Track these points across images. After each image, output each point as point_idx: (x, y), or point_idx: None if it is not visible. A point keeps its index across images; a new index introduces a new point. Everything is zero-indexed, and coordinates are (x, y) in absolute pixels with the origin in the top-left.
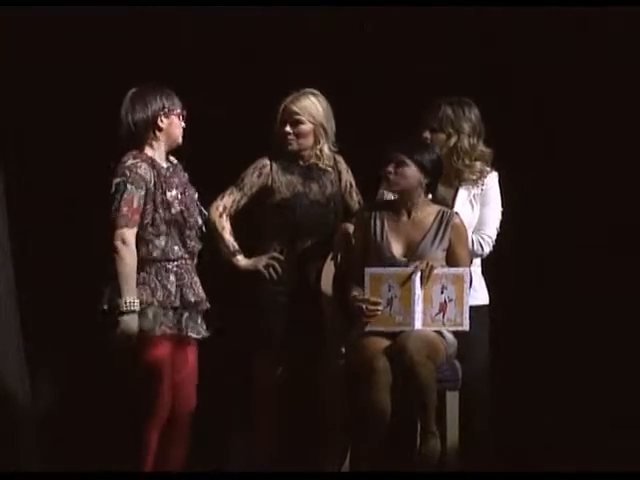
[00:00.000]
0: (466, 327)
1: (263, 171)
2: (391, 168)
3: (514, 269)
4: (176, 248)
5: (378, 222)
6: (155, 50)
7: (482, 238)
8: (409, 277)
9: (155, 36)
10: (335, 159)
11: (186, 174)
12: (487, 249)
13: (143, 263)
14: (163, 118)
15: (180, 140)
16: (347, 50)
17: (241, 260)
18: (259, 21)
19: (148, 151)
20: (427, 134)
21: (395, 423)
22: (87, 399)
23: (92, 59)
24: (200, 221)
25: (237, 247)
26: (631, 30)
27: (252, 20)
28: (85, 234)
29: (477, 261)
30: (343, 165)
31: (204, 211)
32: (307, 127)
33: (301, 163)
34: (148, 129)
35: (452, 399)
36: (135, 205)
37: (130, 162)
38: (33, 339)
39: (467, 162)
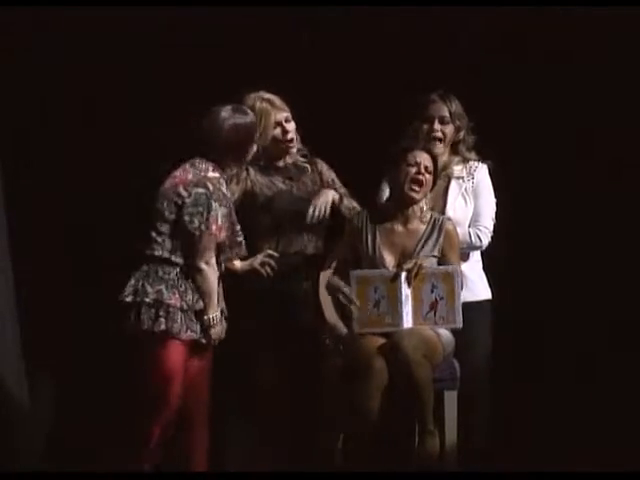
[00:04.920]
0: (459, 325)
1: (240, 177)
2: (425, 173)
3: (515, 264)
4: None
5: (370, 233)
6: (153, 50)
7: (479, 230)
8: (395, 278)
9: (153, 36)
10: (315, 161)
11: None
12: (485, 240)
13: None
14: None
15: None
16: (341, 49)
17: (236, 263)
18: (239, 21)
19: (225, 169)
20: (437, 126)
21: (393, 422)
22: (86, 398)
23: (93, 59)
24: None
25: None
26: (630, 30)
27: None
28: (85, 234)
29: (478, 256)
30: (323, 165)
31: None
32: (294, 125)
33: (279, 164)
34: (228, 154)
35: (450, 398)
36: (219, 223)
37: (212, 175)
38: (32, 339)
39: (467, 152)
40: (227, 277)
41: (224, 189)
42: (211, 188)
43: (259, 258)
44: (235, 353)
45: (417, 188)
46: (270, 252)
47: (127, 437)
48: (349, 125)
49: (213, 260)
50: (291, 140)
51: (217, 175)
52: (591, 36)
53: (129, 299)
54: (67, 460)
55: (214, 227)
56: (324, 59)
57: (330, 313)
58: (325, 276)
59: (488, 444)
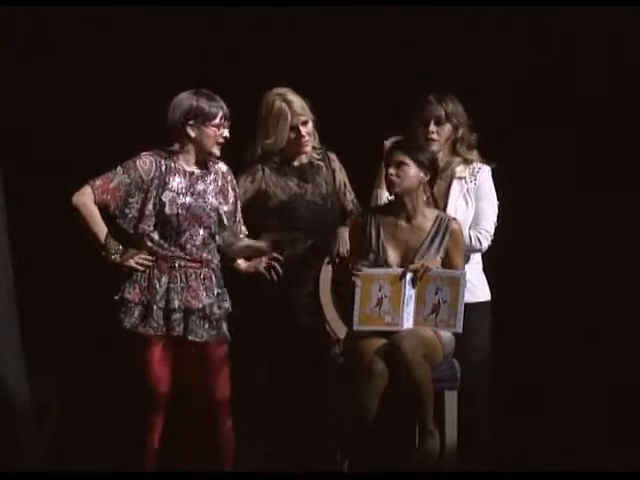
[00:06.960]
0: (459, 329)
1: (256, 176)
2: (392, 170)
3: (515, 266)
4: (173, 248)
5: (374, 229)
6: (152, 50)
7: (480, 233)
8: (400, 278)
9: (152, 36)
10: (329, 157)
11: (226, 184)
12: (485, 243)
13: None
14: (194, 128)
15: (213, 150)
16: (341, 48)
17: (241, 263)
18: (248, 20)
19: (178, 152)
20: (432, 127)
21: (393, 422)
22: (86, 398)
23: (93, 59)
24: (211, 230)
25: None
26: (632, 30)
27: (239, 19)
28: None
29: (478, 258)
30: (337, 164)
31: (225, 223)
32: (311, 125)
33: (295, 164)
34: (178, 135)
35: (450, 398)
36: (112, 185)
37: (143, 153)
38: (31, 337)
39: (467, 151)
40: (230, 277)
41: (139, 163)
42: (128, 160)
43: (264, 261)
44: (235, 354)
45: None
46: (276, 256)
47: (127, 437)
48: (349, 125)
49: (87, 197)
50: (306, 144)
51: (146, 152)
52: (592, 36)
53: (116, 297)
54: (67, 460)
55: (99, 182)
56: (325, 59)
57: (330, 312)
58: (325, 273)
59: (488, 444)
